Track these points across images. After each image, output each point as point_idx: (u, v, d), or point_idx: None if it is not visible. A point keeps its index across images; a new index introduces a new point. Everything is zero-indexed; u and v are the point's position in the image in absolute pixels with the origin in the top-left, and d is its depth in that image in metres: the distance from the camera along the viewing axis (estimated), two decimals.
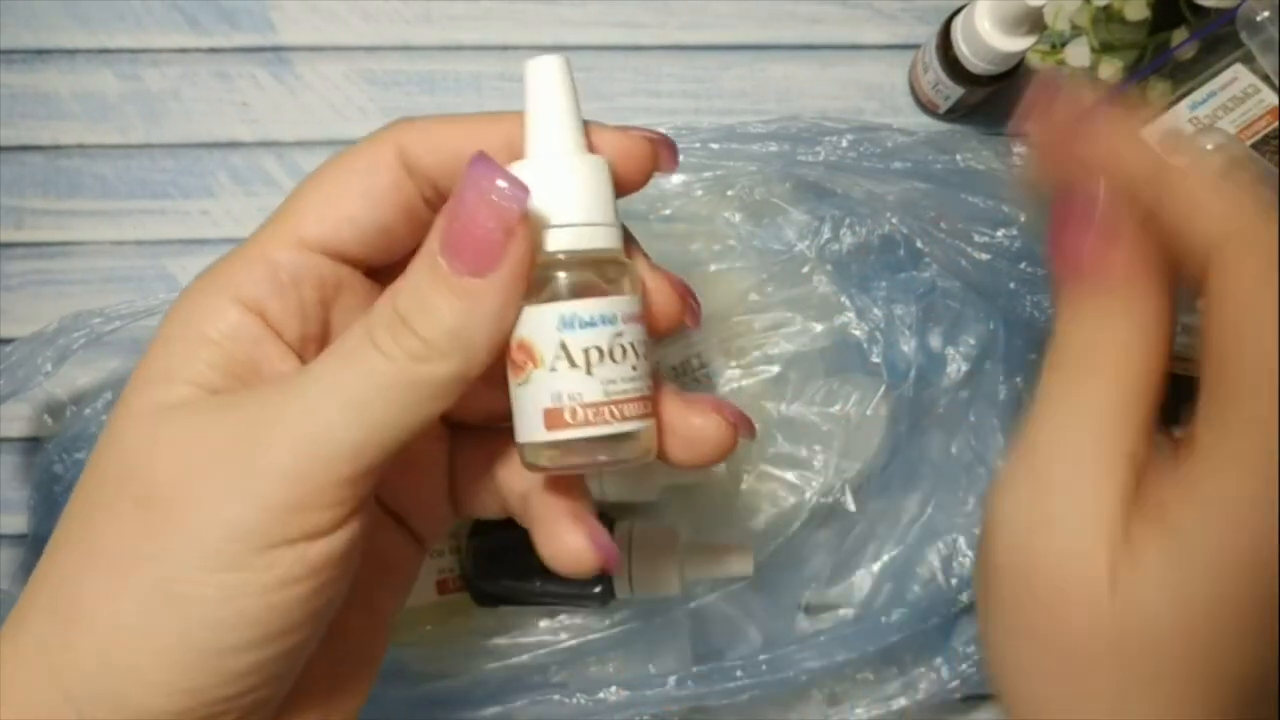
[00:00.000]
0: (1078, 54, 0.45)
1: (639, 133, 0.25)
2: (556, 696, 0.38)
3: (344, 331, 0.24)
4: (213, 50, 0.45)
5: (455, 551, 0.39)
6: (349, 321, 0.24)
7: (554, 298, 0.23)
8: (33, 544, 0.41)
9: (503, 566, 0.38)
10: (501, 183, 0.21)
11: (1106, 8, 0.45)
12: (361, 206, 0.24)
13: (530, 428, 0.23)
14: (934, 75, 0.43)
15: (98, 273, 0.44)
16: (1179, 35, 0.46)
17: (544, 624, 0.40)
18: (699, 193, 0.40)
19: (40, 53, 0.45)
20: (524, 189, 0.21)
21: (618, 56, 0.46)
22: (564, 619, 0.40)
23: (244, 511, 0.20)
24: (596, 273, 0.23)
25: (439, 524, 0.29)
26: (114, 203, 0.44)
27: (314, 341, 0.24)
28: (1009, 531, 0.23)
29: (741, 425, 0.25)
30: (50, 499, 0.39)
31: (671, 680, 0.38)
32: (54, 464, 0.39)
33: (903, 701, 0.39)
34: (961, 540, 0.40)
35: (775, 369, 0.40)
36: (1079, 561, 0.21)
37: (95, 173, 0.44)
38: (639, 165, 0.25)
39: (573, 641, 0.39)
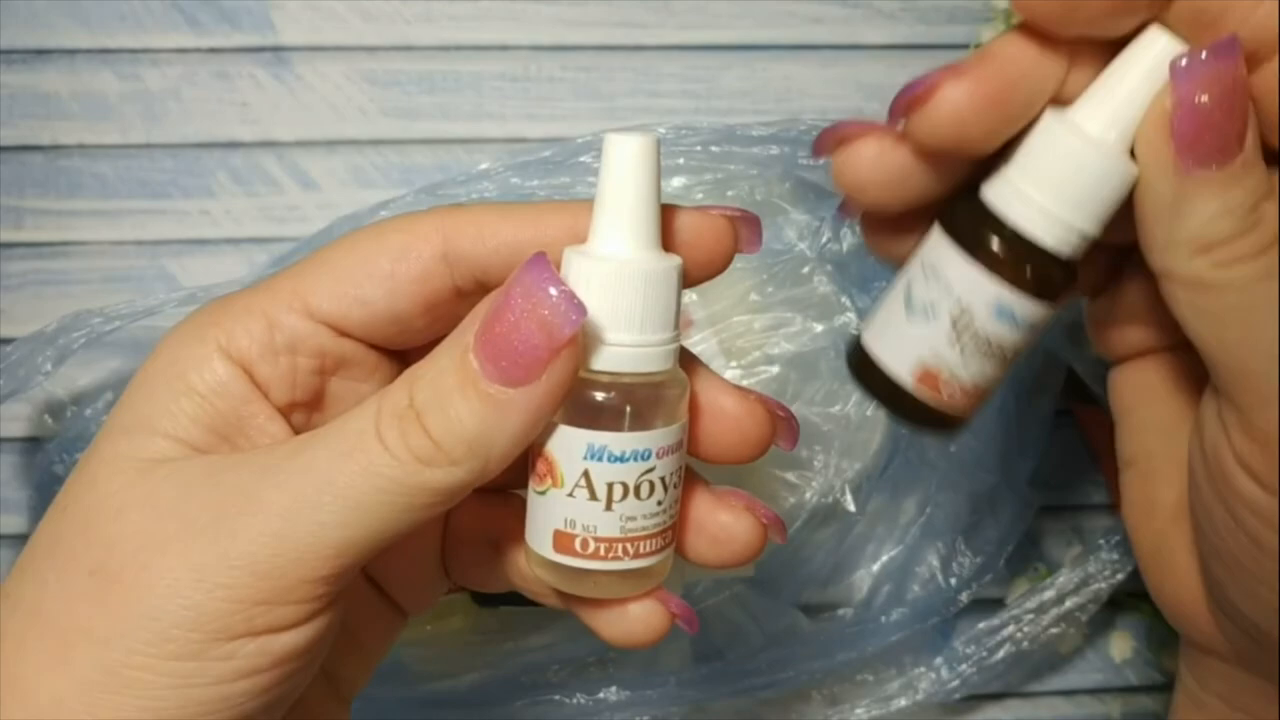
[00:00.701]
0: None
1: (718, 211, 0.23)
2: (556, 697, 0.38)
3: (341, 404, 0.23)
4: (213, 50, 0.45)
5: None
6: (347, 394, 0.23)
7: (587, 421, 0.21)
8: None
9: None
10: (557, 296, 0.19)
11: None
12: (380, 292, 0.22)
13: (539, 540, 0.22)
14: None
15: (98, 272, 0.44)
16: None
17: (544, 624, 0.40)
18: (699, 195, 0.40)
19: (40, 53, 0.45)
20: (581, 308, 0.19)
21: (617, 56, 0.46)
22: (564, 619, 0.40)
23: (207, 600, 0.19)
24: (640, 399, 0.21)
25: (427, 595, 0.27)
26: (114, 203, 0.44)
27: (303, 408, 0.23)
28: None
29: (773, 526, 0.24)
30: (50, 500, 0.39)
31: (672, 680, 0.38)
32: (54, 464, 0.39)
33: (902, 702, 0.39)
34: (960, 540, 0.40)
35: (775, 369, 0.40)
36: None
37: (95, 173, 0.44)
38: (719, 248, 0.22)
39: (573, 642, 0.39)
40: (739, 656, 0.38)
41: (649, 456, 0.21)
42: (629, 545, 0.22)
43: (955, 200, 0.24)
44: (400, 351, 0.24)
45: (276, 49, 0.45)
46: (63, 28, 0.45)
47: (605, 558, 0.21)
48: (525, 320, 0.19)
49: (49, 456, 0.39)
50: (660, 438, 0.21)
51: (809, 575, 0.40)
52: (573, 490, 0.21)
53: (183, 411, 0.21)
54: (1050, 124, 0.22)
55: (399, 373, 0.22)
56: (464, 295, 0.22)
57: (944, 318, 0.23)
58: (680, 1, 0.45)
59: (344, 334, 0.22)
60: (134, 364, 0.42)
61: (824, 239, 0.40)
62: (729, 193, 0.40)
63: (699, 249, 0.22)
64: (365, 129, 0.45)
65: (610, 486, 0.21)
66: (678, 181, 0.40)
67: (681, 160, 0.40)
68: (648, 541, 0.22)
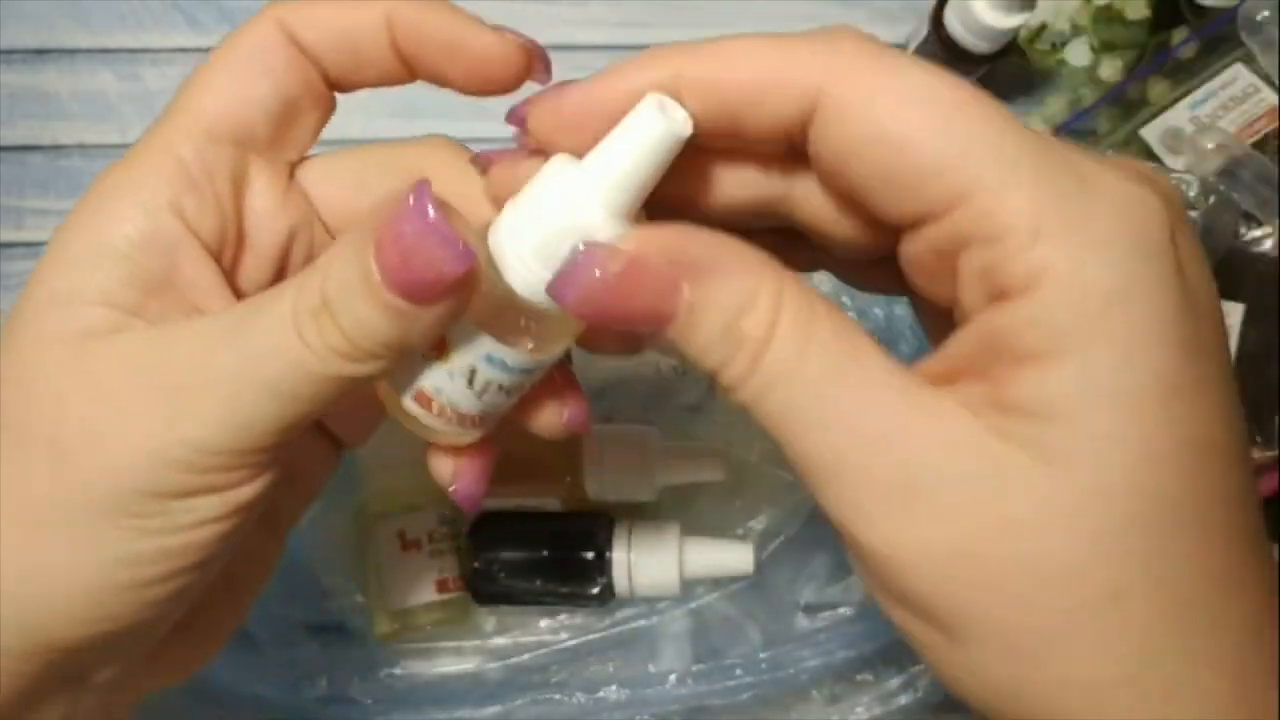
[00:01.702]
0: (1078, 53, 0.45)
1: (514, 37, 0.23)
2: (557, 696, 0.38)
3: (259, 226, 0.23)
4: (213, 50, 0.45)
5: (455, 551, 0.39)
6: (262, 211, 0.23)
7: (497, 331, 0.21)
8: None
9: (503, 566, 0.38)
10: (444, 244, 0.19)
11: (1107, 7, 0.45)
12: (264, 87, 0.22)
13: (403, 384, 0.23)
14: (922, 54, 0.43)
15: None
16: (1179, 35, 0.46)
17: (544, 623, 0.40)
18: None
19: (40, 53, 0.45)
20: (468, 255, 0.19)
21: (619, 56, 0.45)
22: (564, 618, 0.40)
23: (162, 474, 0.20)
24: (549, 329, 0.22)
25: (367, 424, 0.27)
26: None
27: (232, 246, 0.23)
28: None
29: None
30: None
31: (671, 679, 0.38)
32: None
33: (903, 700, 0.39)
34: None
35: None
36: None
37: (95, 172, 0.44)
38: (509, 72, 0.23)
39: (573, 641, 0.39)
40: (739, 656, 0.38)
41: (532, 373, 0.23)
42: (476, 420, 0.23)
43: None
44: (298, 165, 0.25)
45: None
46: (63, 28, 0.45)
47: (452, 423, 0.23)
48: (417, 257, 0.19)
49: None
50: (547, 361, 0.23)
51: (809, 574, 0.41)
52: (454, 374, 0.22)
53: (110, 275, 0.21)
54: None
55: (295, 183, 0.24)
56: (328, 82, 0.24)
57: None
58: (682, 1, 0.46)
59: (246, 143, 0.23)
60: None
61: None
62: None
63: (491, 69, 0.23)
64: (366, 129, 0.45)
65: (489, 384, 0.22)
66: None
67: None
68: (492, 422, 0.24)
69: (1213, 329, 0.18)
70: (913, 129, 0.18)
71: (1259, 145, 0.44)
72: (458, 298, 0.20)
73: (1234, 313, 0.43)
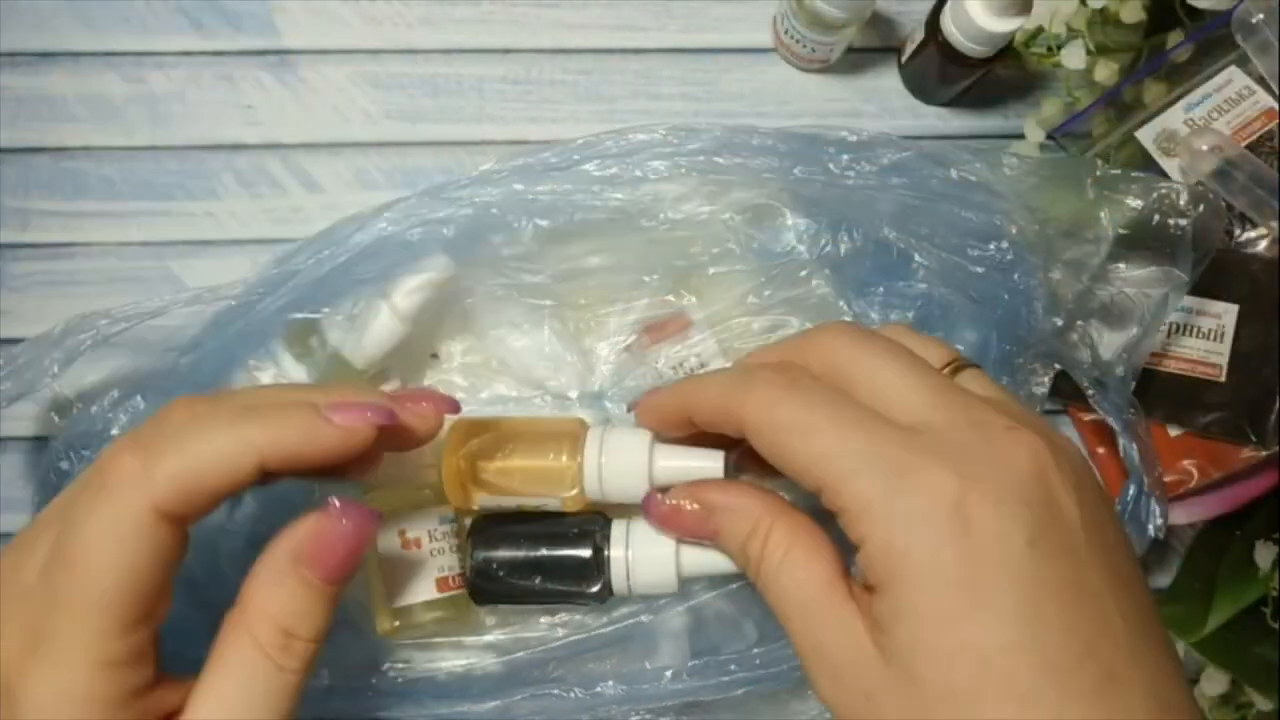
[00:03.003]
0: (1074, 56, 0.45)
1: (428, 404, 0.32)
2: (555, 691, 0.38)
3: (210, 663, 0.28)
4: (217, 53, 0.45)
5: (456, 550, 0.39)
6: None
7: None
8: None
9: (502, 564, 0.38)
10: (361, 520, 0.28)
11: (1102, 10, 0.45)
12: (148, 567, 0.26)
13: None
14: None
15: (103, 274, 0.45)
16: (1175, 37, 0.46)
17: (543, 621, 0.40)
18: (702, 208, 0.40)
19: (45, 55, 0.45)
20: (377, 516, 0.29)
21: (617, 60, 0.46)
22: (562, 616, 0.40)
23: None
24: None
25: None
26: (119, 204, 0.45)
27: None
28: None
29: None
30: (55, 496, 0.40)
31: (668, 675, 0.38)
32: (60, 461, 0.40)
33: None
34: None
35: None
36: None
37: (101, 175, 0.45)
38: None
39: (572, 638, 0.39)
40: (734, 652, 0.39)
41: None
42: None
43: None
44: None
45: (280, 52, 0.46)
46: (68, 30, 0.45)
47: None
48: (341, 541, 0.28)
49: (55, 453, 0.40)
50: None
51: None
52: None
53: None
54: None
55: None
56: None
57: None
58: (680, 4, 0.46)
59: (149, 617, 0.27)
60: (139, 363, 0.43)
61: (822, 243, 0.41)
62: (728, 195, 0.41)
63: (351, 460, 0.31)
64: (368, 131, 0.46)
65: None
66: (676, 188, 0.40)
67: (684, 168, 0.40)
68: None
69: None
70: (788, 449, 0.28)
71: (1254, 147, 0.44)
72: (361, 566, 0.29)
73: (1228, 314, 0.44)
